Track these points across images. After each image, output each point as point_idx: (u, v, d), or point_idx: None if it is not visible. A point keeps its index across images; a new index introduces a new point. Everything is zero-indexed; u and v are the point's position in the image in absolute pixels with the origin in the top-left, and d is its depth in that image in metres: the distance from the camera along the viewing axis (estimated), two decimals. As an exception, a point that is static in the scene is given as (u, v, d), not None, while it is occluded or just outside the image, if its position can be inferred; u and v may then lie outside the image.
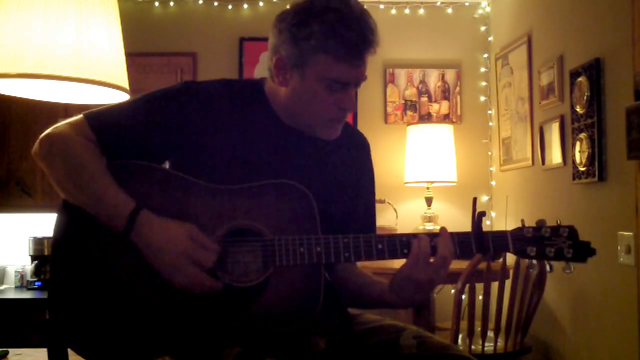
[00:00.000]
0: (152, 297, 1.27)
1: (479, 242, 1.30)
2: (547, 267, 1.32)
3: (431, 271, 1.27)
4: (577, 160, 2.67)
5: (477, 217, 1.32)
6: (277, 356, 1.26)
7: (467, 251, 1.31)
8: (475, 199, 1.37)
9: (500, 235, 1.31)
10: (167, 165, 1.40)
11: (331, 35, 1.28)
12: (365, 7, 1.35)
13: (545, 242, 1.30)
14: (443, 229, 1.31)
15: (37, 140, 1.34)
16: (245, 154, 1.37)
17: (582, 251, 1.29)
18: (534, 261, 1.33)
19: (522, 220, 1.33)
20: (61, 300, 1.29)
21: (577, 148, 2.67)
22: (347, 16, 1.29)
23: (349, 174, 1.49)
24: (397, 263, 1.35)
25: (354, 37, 1.28)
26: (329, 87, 1.32)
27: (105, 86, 1.58)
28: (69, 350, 1.38)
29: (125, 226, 1.25)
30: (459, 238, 1.31)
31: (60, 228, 1.31)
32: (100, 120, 1.35)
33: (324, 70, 1.31)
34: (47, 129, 1.35)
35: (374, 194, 1.57)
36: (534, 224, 1.32)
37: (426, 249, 1.27)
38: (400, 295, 1.33)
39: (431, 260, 1.28)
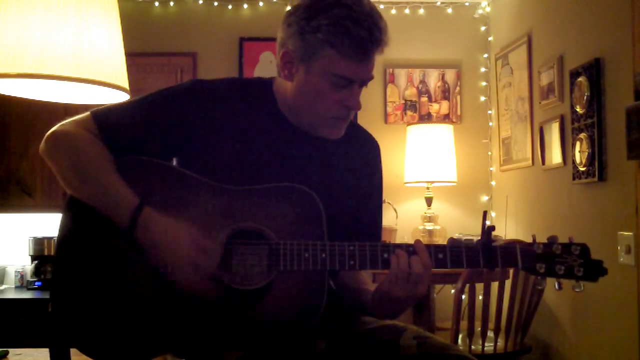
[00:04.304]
0: (154, 296, 1.27)
1: (487, 257, 1.28)
2: (556, 285, 1.29)
3: (409, 288, 1.26)
4: (577, 160, 2.67)
5: (487, 231, 1.29)
6: (278, 358, 1.25)
7: (474, 264, 1.29)
8: (485, 213, 1.35)
9: (510, 250, 1.28)
10: (174, 162, 1.39)
11: (339, 30, 1.27)
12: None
13: (556, 260, 1.27)
14: (417, 243, 1.28)
15: (43, 139, 1.34)
16: (252, 155, 1.36)
17: (593, 270, 1.26)
18: (542, 278, 1.29)
19: (534, 236, 1.30)
20: (64, 297, 1.29)
21: (577, 148, 2.67)
22: (356, 13, 1.27)
23: (357, 177, 1.47)
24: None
25: (362, 34, 1.27)
26: (334, 83, 1.31)
27: (105, 86, 1.58)
28: (71, 350, 1.38)
29: (128, 223, 1.25)
30: (467, 251, 1.29)
31: (65, 226, 1.31)
32: (107, 118, 1.35)
33: (330, 65, 1.29)
34: (47, 128, 1.35)
35: (381, 197, 1.55)
36: (537, 230, 1.30)
37: (404, 266, 1.25)
38: (380, 310, 1.33)
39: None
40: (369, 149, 1.53)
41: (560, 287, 1.28)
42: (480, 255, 1.28)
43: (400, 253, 1.27)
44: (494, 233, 1.32)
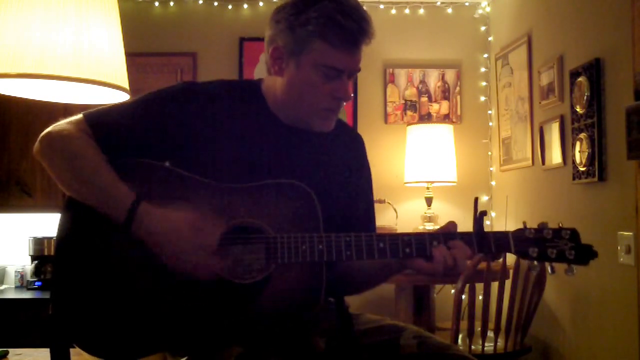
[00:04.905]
0: (154, 293, 1.28)
1: (480, 242, 1.30)
2: (549, 269, 1.31)
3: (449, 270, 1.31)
4: (577, 160, 2.67)
5: (479, 217, 1.31)
6: (278, 356, 1.26)
7: None
8: (476, 199, 1.37)
9: (502, 236, 1.31)
10: (167, 164, 1.41)
11: (328, 22, 1.32)
12: (365, 7, 1.39)
13: (547, 244, 1.29)
14: (457, 241, 1.30)
15: (38, 139, 1.35)
16: (244, 154, 1.38)
17: (584, 253, 1.28)
18: (535, 262, 1.31)
19: (524, 223, 1.33)
20: (64, 296, 1.30)
21: (577, 148, 2.67)
22: (344, 5, 1.33)
23: (347, 171, 1.51)
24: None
25: (351, 25, 1.32)
26: (325, 74, 1.35)
27: (105, 86, 1.58)
28: (71, 350, 1.38)
29: (125, 218, 1.26)
30: (460, 238, 1.31)
31: (64, 225, 1.32)
32: (99, 120, 1.36)
33: (320, 57, 1.34)
34: (47, 128, 1.35)
35: (372, 190, 1.59)
36: (535, 226, 1.31)
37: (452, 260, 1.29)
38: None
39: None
40: (357, 144, 1.57)
41: (553, 271, 1.31)
42: (474, 241, 1.30)
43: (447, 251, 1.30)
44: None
